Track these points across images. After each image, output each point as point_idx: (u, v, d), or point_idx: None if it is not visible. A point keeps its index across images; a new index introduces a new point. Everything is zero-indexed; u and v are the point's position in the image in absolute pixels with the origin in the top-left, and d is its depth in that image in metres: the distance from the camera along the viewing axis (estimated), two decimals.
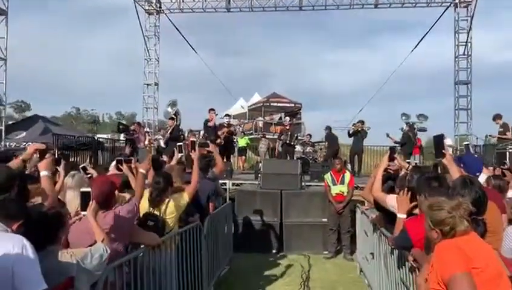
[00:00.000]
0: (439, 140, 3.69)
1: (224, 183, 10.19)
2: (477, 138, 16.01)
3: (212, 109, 12.72)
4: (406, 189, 3.50)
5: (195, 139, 5.53)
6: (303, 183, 9.15)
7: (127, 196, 3.96)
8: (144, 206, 4.24)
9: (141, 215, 4.17)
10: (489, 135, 12.49)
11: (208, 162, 5.72)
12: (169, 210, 4.25)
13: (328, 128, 14.69)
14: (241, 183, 10.15)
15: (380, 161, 4.43)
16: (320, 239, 8.34)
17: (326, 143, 15.23)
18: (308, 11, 19.57)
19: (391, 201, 3.99)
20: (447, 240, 2.41)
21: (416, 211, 3.49)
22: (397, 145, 15.37)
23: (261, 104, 30.11)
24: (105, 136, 22.70)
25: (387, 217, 4.41)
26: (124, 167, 4.80)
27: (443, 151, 3.56)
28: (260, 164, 9.15)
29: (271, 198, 8.50)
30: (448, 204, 2.46)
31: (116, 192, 3.72)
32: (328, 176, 8.22)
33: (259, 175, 8.89)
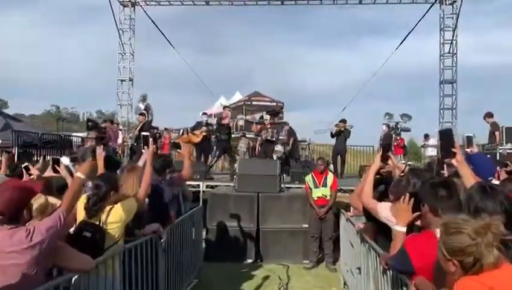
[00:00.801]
0: (447, 136, 2.96)
1: (198, 185, 9.40)
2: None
3: (227, 106, 12.06)
4: (406, 195, 2.76)
5: (147, 134, 4.74)
6: (282, 186, 8.42)
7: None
8: (82, 215, 3.43)
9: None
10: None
11: (164, 162, 4.91)
12: (112, 219, 3.44)
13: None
14: (216, 185, 9.35)
15: (370, 162, 3.70)
16: (300, 247, 7.61)
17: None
18: (290, 6, 18.92)
19: (384, 210, 3.27)
20: (471, 277, 1.69)
21: (419, 223, 2.77)
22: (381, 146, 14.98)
23: (242, 102, 29.40)
24: (82, 134, 21.67)
25: (378, 228, 3.70)
26: (61, 168, 3.99)
27: (453, 149, 2.83)
28: (236, 164, 8.37)
29: (247, 201, 7.74)
30: (470, 226, 1.73)
31: (44, 200, 2.91)
32: (309, 178, 7.50)
33: (235, 176, 8.11)
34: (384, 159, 3.61)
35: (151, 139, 4.19)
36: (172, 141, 13.00)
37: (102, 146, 4.51)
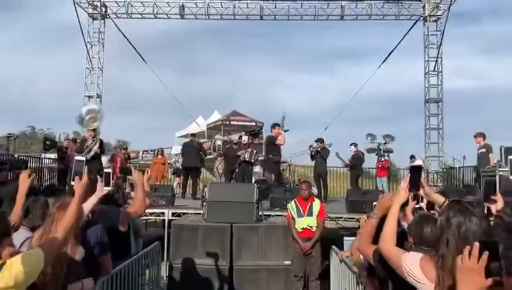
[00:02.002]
0: (417, 171, 2.65)
1: (162, 213, 8.13)
2: (454, 159, 14.70)
3: (278, 125, 10.88)
4: (475, 245, 1.58)
5: (109, 171, 3.55)
6: (260, 214, 7.20)
7: None
8: None
9: None
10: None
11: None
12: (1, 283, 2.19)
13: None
14: (184, 213, 8.10)
15: (394, 193, 2.57)
16: (281, 288, 6.39)
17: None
18: (270, 21, 18.10)
19: (412, 265, 2.12)
20: None
21: None
22: (348, 166, 14.07)
23: (221, 122, 28.38)
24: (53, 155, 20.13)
25: (394, 282, 2.56)
26: None
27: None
28: (205, 189, 7.14)
29: (218, 234, 6.51)
30: None
31: None
32: (291, 206, 6.35)
33: (204, 204, 6.88)
34: (414, 187, 2.50)
35: (84, 169, 2.92)
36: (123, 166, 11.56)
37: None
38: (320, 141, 11.98)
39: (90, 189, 3.36)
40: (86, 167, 2.99)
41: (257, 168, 13.80)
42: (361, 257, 3.09)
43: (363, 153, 14.67)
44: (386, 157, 16.22)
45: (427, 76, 17.26)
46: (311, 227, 6.15)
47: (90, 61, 17.63)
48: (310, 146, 12.09)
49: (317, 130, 11.44)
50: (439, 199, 2.60)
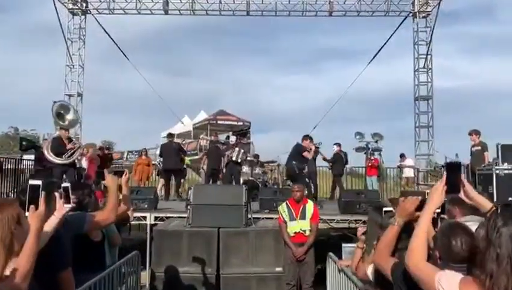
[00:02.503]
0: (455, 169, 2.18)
1: (143, 217, 7.61)
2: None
3: (311, 138, 10.36)
4: None
5: (67, 185, 2.96)
6: (249, 217, 6.74)
7: None
8: None
9: None
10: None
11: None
12: None
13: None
14: (168, 217, 7.58)
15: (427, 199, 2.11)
16: None
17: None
18: (257, 17, 17.64)
19: (452, 287, 1.69)
20: None
21: None
22: (330, 163, 13.72)
23: (207, 121, 27.83)
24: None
25: None
26: None
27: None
28: (190, 191, 6.65)
29: (204, 239, 6.04)
30: None
31: None
32: (283, 208, 5.89)
33: (189, 207, 6.38)
34: (453, 187, 2.05)
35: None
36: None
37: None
38: (307, 138, 11.56)
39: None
40: (43, 192, 2.45)
41: (245, 169, 13.33)
42: (368, 272, 2.65)
43: (345, 154, 14.36)
44: (376, 156, 15.92)
45: (416, 73, 16.99)
46: (304, 231, 5.70)
47: (71, 58, 16.95)
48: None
49: (305, 131, 11.02)
50: (486, 203, 2.15)
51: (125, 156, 28.03)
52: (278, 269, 5.94)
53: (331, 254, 4.59)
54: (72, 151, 9.51)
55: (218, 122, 26.96)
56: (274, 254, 6.05)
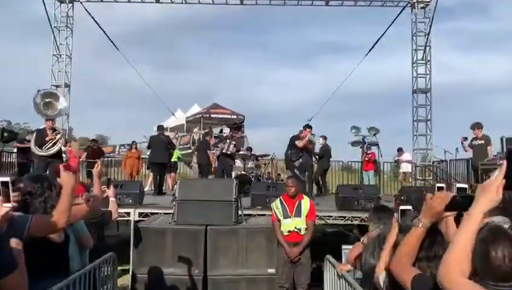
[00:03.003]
0: None
1: (127, 214, 7.10)
2: (445, 152, 13.99)
3: (310, 127, 9.95)
4: None
5: None
6: (240, 213, 6.23)
7: None
8: None
9: None
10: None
11: None
12: None
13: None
14: (153, 213, 7.07)
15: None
16: None
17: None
18: (251, 5, 17.07)
19: None
20: None
21: None
22: (316, 157, 13.15)
23: (200, 115, 27.30)
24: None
25: None
26: None
27: None
28: (175, 186, 6.13)
29: (190, 238, 5.55)
30: None
31: None
32: (276, 205, 5.41)
33: (174, 203, 5.88)
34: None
35: None
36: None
37: None
38: (306, 127, 11.04)
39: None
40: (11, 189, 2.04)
41: (238, 162, 12.84)
42: (380, 280, 2.18)
43: (330, 147, 13.95)
44: (373, 150, 15.49)
45: (415, 65, 16.55)
46: (299, 230, 5.22)
47: (58, 48, 16.33)
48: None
49: (299, 126, 10.52)
50: None
51: (117, 149, 27.46)
52: (271, 270, 5.47)
53: (329, 257, 4.11)
54: (52, 142, 8.98)
55: (212, 115, 26.48)
56: (266, 254, 5.57)
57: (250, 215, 6.90)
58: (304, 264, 5.23)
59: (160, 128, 12.04)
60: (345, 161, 18.23)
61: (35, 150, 9.28)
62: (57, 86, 16.24)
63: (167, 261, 5.48)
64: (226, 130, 11.70)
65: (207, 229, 5.57)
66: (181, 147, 26.56)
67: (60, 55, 16.27)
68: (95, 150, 14.11)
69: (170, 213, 6.54)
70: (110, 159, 22.28)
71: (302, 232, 5.25)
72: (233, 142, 11.18)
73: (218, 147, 11.47)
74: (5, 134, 11.30)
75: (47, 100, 9.38)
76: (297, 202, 5.34)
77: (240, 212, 6.13)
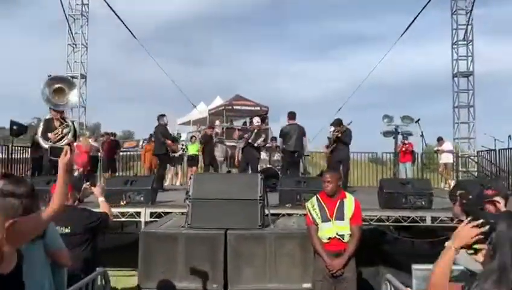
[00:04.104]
0: None
1: (137, 214, 6.18)
2: (495, 140, 12.57)
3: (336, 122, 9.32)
4: None
5: None
6: (266, 213, 5.18)
7: None
8: None
9: None
10: None
11: None
12: None
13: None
14: (166, 213, 6.12)
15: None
16: None
17: None
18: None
19: None
20: None
21: None
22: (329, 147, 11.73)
23: (223, 107, 26.41)
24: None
25: None
26: None
27: None
28: (190, 181, 5.10)
29: (207, 246, 4.54)
30: None
31: None
32: (312, 204, 4.33)
33: (188, 202, 4.88)
34: None
35: None
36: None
37: None
38: (338, 123, 9.86)
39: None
40: None
41: (263, 155, 11.83)
42: None
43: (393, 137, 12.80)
44: (410, 140, 14.25)
45: (455, 47, 15.10)
46: (342, 236, 4.14)
47: (73, 37, 15.63)
48: (332, 132, 10.01)
49: (323, 118, 9.49)
50: None
51: (140, 144, 26.95)
52: (306, 285, 4.41)
53: (390, 277, 3.02)
54: (59, 136, 8.13)
55: (235, 107, 25.57)
56: (300, 265, 4.52)
57: (277, 215, 5.86)
58: (348, 280, 4.15)
59: (159, 117, 10.54)
60: (373, 151, 17.02)
61: (42, 141, 8.47)
62: (73, 77, 15.55)
63: (179, 274, 4.50)
64: (255, 120, 10.58)
65: (227, 234, 4.56)
66: (202, 140, 25.76)
67: (76, 45, 15.57)
68: (110, 142, 13.35)
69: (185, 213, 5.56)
70: (132, 153, 21.72)
71: (346, 239, 4.16)
72: (263, 135, 10.18)
73: (243, 138, 10.44)
74: (14, 127, 10.58)
75: (57, 86, 8.44)
76: (338, 202, 4.25)
77: (266, 212, 5.08)
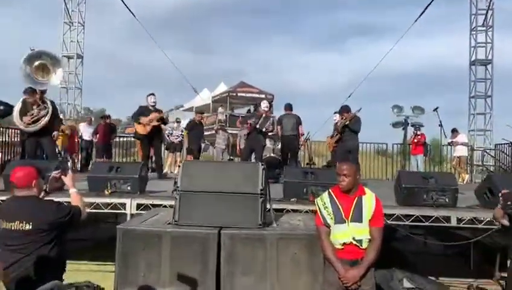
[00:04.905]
0: None
1: (123, 205, 5.46)
2: None
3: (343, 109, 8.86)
4: None
5: None
6: (268, 208, 4.41)
7: None
8: None
9: None
10: None
11: None
12: None
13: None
14: (154, 205, 5.40)
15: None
16: None
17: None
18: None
19: None
20: None
21: None
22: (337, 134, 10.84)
23: (227, 94, 25.68)
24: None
25: None
26: None
27: None
28: (178, 170, 4.34)
29: (197, 247, 3.81)
30: None
31: None
32: (323, 201, 3.57)
33: (175, 195, 4.14)
34: None
35: None
36: None
37: None
38: (346, 110, 9.06)
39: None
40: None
41: (267, 143, 11.09)
42: None
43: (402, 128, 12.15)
44: (422, 132, 13.52)
45: (473, 33, 14.20)
46: (359, 242, 3.39)
47: (69, 15, 14.84)
48: (340, 116, 9.25)
49: (330, 109, 8.80)
50: None
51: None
52: None
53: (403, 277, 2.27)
54: (35, 117, 7.42)
55: (239, 94, 24.89)
56: (308, 272, 3.78)
57: (280, 211, 5.13)
58: None
59: (146, 98, 9.35)
60: (381, 142, 16.26)
61: (18, 122, 7.74)
62: (69, 57, 14.86)
63: (163, 279, 3.79)
64: (264, 104, 9.81)
65: (220, 234, 3.82)
66: (206, 127, 25.11)
67: (72, 23, 14.79)
68: (105, 125, 12.62)
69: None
70: (133, 139, 21.04)
71: (364, 246, 3.41)
72: (269, 119, 9.42)
73: (246, 125, 9.66)
74: (1, 107, 9.86)
75: (40, 62, 7.63)
76: (355, 199, 3.49)
77: (268, 207, 4.33)
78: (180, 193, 4.01)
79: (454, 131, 13.57)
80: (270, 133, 10.33)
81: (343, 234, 3.42)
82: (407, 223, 5.26)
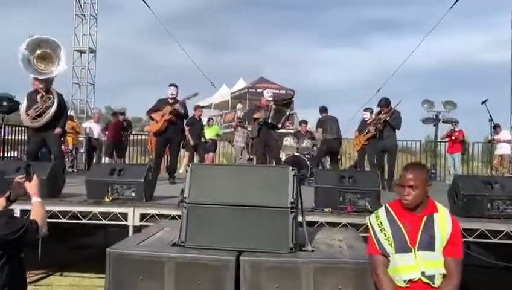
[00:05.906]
0: None
1: (124, 215, 4.61)
2: None
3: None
4: None
5: None
6: (300, 222, 3.47)
7: None
8: None
9: None
10: None
11: None
12: None
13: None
14: (165, 215, 4.54)
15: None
16: None
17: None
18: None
19: None
20: None
21: None
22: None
23: (246, 90, 24.94)
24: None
25: None
26: None
27: None
28: (186, 177, 3.43)
29: (209, 278, 2.93)
30: None
31: None
32: (379, 220, 2.62)
33: (183, 210, 3.25)
34: None
35: None
36: None
37: None
38: (386, 104, 7.95)
39: None
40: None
41: (289, 141, 10.18)
42: None
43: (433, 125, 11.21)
44: (460, 128, 12.44)
45: None
46: (431, 278, 2.45)
47: (81, 7, 14.17)
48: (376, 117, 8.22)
49: (350, 105, 7.90)
50: None
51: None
52: None
53: None
54: (39, 110, 6.75)
55: (258, 90, 24.03)
56: None
57: (312, 224, 4.21)
58: None
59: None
60: (415, 140, 15.15)
61: (24, 119, 7.14)
62: (81, 52, 14.20)
63: None
64: (267, 94, 8.84)
65: (239, 261, 2.92)
66: (225, 124, 24.35)
67: (84, 16, 14.11)
68: (117, 123, 11.88)
69: None
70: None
71: (437, 284, 2.46)
72: (285, 113, 8.45)
73: (257, 115, 8.51)
74: (4, 103, 9.24)
75: (43, 51, 6.97)
76: (424, 219, 2.54)
77: (300, 220, 3.40)
78: (187, 206, 3.12)
79: (497, 127, 12.42)
80: (284, 130, 9.44)
81: (409, 267, 2.47)
82: (470, 239, 4.25)
